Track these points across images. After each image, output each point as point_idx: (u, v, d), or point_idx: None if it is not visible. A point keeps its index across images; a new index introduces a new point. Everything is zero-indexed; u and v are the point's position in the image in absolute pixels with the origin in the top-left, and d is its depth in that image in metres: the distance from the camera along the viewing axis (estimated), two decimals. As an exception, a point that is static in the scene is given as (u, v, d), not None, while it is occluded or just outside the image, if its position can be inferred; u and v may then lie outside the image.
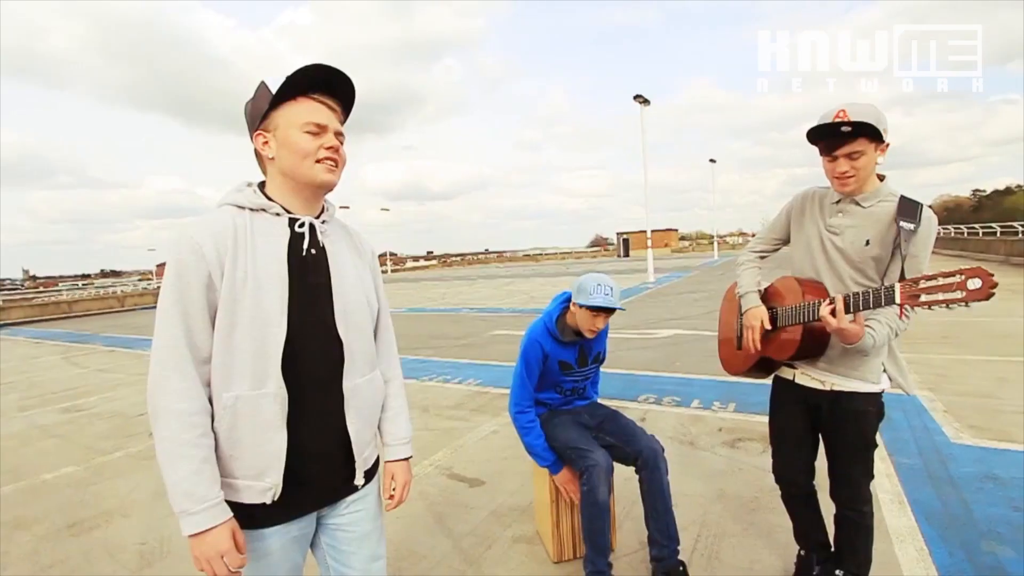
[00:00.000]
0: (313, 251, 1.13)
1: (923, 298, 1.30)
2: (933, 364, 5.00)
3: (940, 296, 1.28)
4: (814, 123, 1.59)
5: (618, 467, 2.07)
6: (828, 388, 1.69)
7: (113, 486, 3.38)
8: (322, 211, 1.20)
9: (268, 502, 1.05)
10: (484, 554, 2.32)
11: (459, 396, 5.05)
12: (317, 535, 1.21)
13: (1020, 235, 17.23)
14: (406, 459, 1.33)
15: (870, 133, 1.48)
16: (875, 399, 1.67)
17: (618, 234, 57.66)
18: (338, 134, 1.14)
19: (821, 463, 1.83)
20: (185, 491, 0.97)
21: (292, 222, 1.12)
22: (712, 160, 37.20)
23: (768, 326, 1.72)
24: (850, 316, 1.47)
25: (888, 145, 1.55)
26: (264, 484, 1.04)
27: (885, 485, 2.69)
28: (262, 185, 1.15)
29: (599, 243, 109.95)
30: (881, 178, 1.63)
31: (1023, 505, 2.42)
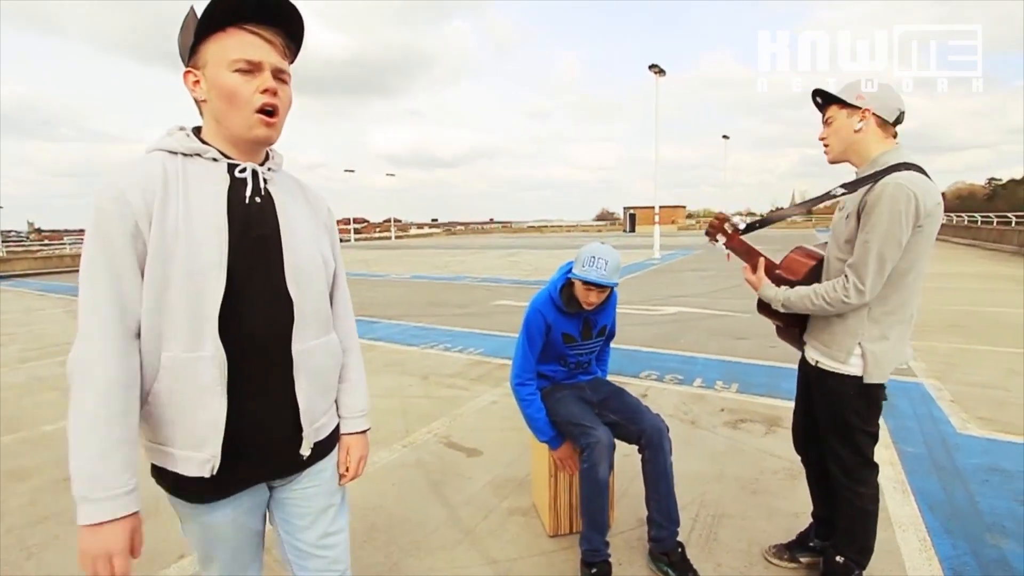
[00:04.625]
0: (257, 199, 1.01)
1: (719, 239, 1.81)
2: (940, 352, 4.93)
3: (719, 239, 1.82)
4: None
5: (617, 443, 2.02)
6: (813, 363, 1.68)
7: (111, 441, 3.38)
8: (266, 158, 1.07)
9: (207, 476, 0.96)
10: (480, 524, 2.31)
11: (459, 365, 5.03)
12: (271, 507, 1.15)
13: (1035, 225, 16.92)
14: (363, 432, 1.24)
15: (835, 99, 1.59)
16: (853, 383, 1.61)
17: (625, 209, 57.05)
18: (278, 72, 0.98)
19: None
20: (90, 473, 0.86)
21: (231, 167, 0.99)
22: (725, 136, 36.40)
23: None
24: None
25: (865, 111, 1.55)
26: (202, 456, 0.95)
27: (888, 472, 2.65)
28: (197, 130, 1.02)
29: (606, 217, 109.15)
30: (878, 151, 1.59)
31: (1029, 499, 2.38)
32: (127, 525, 0.89)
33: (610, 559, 1.86)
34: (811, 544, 1.96)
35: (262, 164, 1.05)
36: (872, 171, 1.54)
